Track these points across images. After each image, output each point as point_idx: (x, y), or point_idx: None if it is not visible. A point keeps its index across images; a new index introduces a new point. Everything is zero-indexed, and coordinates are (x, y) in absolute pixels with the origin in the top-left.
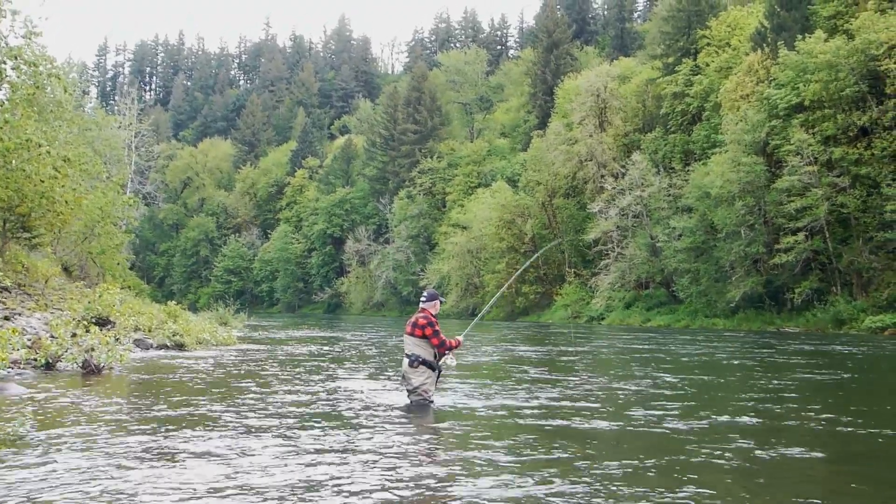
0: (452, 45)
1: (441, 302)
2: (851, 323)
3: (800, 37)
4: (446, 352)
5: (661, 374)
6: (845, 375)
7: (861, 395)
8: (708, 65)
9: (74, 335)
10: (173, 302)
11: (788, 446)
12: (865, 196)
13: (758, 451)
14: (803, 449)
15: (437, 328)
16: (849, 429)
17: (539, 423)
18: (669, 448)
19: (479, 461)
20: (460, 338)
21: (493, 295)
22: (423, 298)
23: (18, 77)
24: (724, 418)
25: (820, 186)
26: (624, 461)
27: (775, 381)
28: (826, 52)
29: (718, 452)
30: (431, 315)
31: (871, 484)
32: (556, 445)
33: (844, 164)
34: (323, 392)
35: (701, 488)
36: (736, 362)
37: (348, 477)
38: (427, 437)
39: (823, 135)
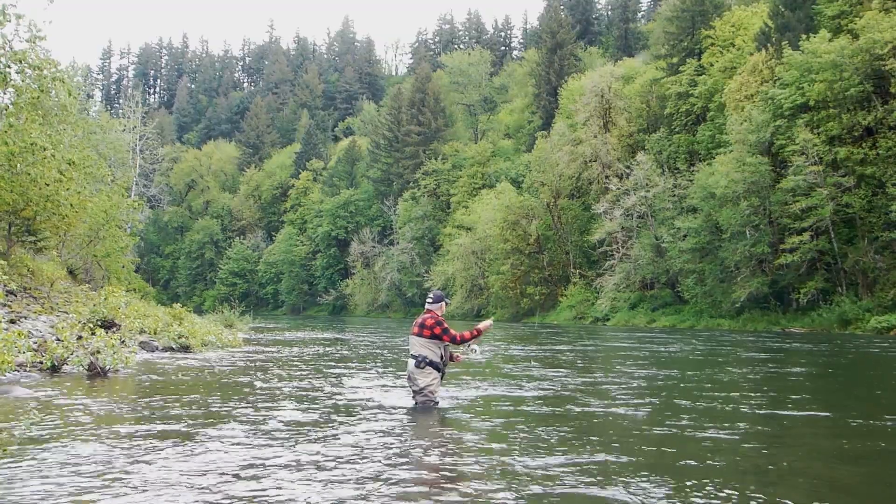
0: (456, 46)
1: (447, 303)
2: (857, 323)
3: (804, 36)
4: (461, 345)
5: (636, 370)
6: (806, 370)
7: (809, 387)
8: (712, 65)
9: (80, 338)
10: (178, 304)
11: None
12: (870, 196)
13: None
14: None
15: (445, 326)
16: (776, 411)
17: (530, 409)
18: (621, 428)
19: (478, 445)
20: (489, 322)
21: (498, 296)
22: (428, 300)
23: (23, 81)
24: (679, 403)
25: (825, 186)
26: (595, 439)
27: (733, 375)
28: (830, 51)
29: (663, 430)
30: (438, 315)
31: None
32: (546, 428)
33: (849, 163)
34: (328, 392)
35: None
36: (712, 359)
37: (354, 471)
38: (428, 428)
39: (828, 135)
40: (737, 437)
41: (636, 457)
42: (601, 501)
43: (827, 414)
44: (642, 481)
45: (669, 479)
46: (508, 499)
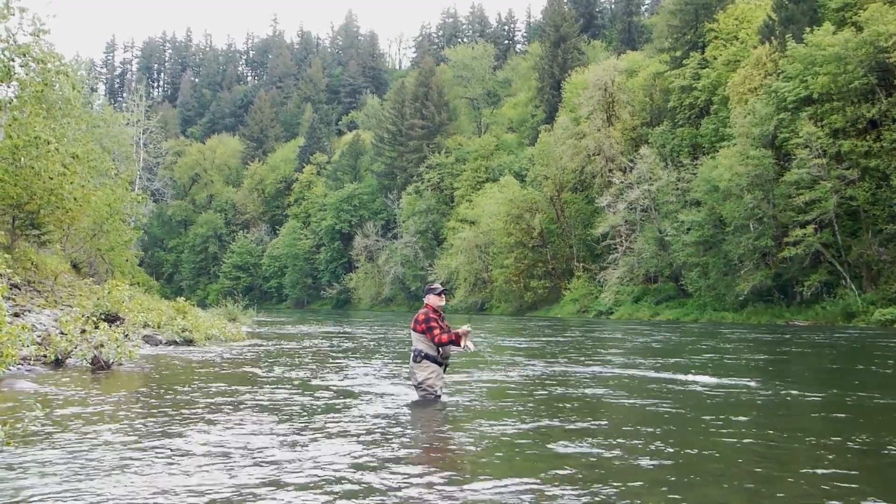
0: (460, 40)
1: (438, 294)
2: (861, 316)
3: (808, 29)
4: (440, 347)
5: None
6: (771, 356)
7: (766, 369)
8: (716, 58)
9: (84, 331)
10: (182, 298)
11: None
12: (874, 188)
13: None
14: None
15: (430, 324)
16: (729, 391)
17: (516, 391)
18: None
19: (469, 417)
20: (466, 328)
21: (502, 290)
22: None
23: (27, 74)
24: (646, 385)
25: (829, 179)
26: (572, 413)
27: (701, 361)
28: (834, 44)
29: (629, 404)
30: (432, 310)
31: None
32: (530, 405)
33: (853, 156)
34: (331, 385)
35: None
36: (691, 347)
37: (361, 440)
38: (424, 406)
39: (832, 127)
40: (684, 410)
41: (602, 421)
42: (581, 455)
43: (770, 390)
44: (611, 442)
45: (629, 440)
46: (500, 458)
